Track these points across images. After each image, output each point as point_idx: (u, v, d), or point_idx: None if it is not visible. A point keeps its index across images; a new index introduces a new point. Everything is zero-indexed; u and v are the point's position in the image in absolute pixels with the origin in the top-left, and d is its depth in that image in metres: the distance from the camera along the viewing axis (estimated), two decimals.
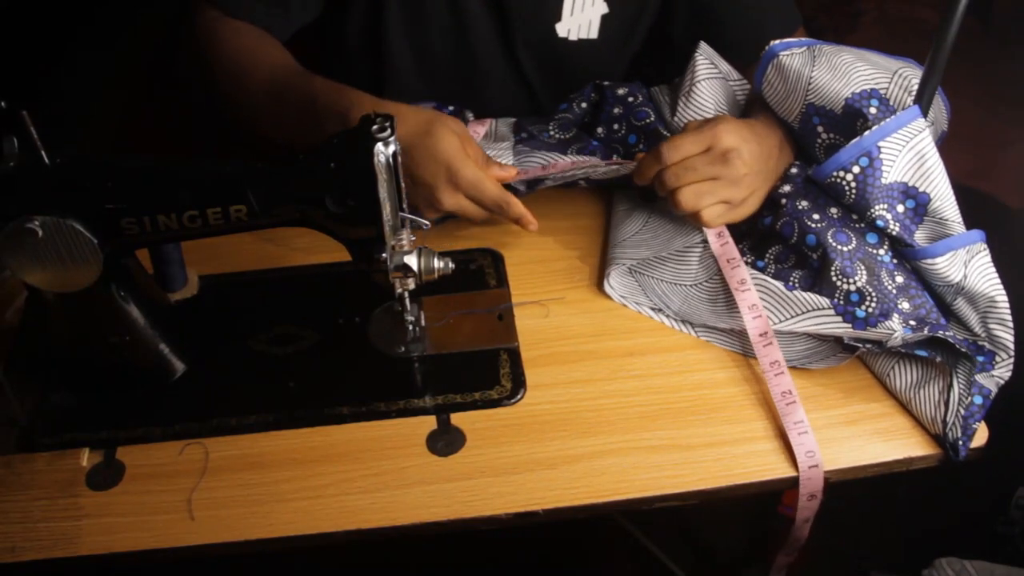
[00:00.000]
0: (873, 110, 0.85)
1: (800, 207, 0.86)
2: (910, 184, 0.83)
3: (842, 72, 0.87)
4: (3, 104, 0.67)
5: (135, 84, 1.78)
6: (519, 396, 0.83)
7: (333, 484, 0.77)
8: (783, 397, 0.79)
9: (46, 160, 0.70)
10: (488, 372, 0.85)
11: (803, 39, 0.90)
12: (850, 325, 0.80)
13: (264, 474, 0.78)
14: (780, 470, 0.78)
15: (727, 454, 0.78)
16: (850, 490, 0.87)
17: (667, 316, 0.89)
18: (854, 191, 0.83)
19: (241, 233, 0.76)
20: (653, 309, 0.89)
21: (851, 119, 0.85)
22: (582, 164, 0.92)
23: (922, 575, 0.81)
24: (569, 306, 0.91)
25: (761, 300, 0.84)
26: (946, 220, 0.83)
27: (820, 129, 0.88)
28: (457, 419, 0.81)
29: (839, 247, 0.82)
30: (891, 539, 1.10)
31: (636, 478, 0.77)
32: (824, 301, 0.81)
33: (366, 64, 1.09)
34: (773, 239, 0.88)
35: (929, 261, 0.82)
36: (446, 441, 0.80)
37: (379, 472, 0.78)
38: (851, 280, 0.81)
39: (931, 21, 1.35)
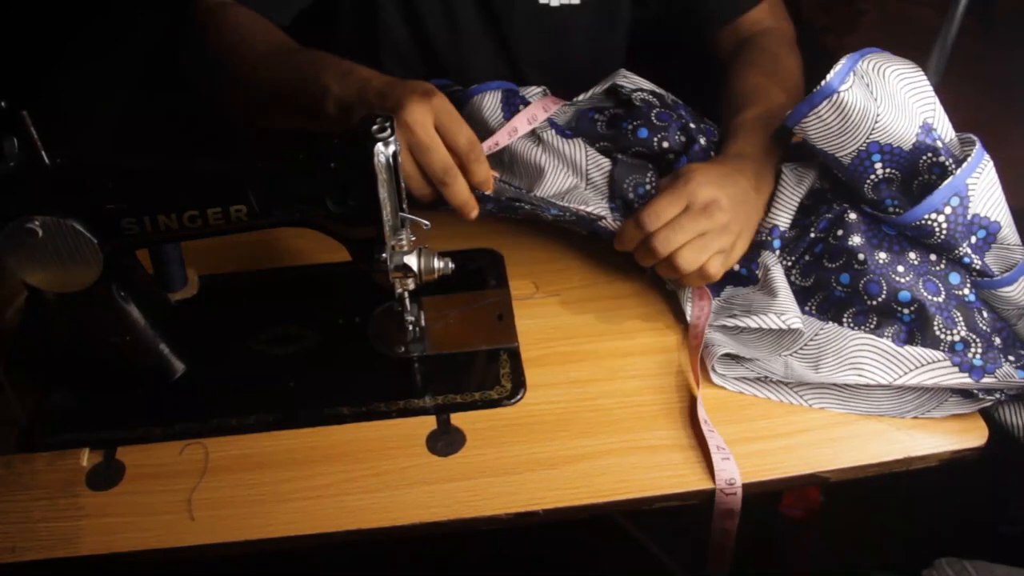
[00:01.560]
0: (940, 144, 0.82)
1: (880, 260, 0.83)
2: (982, 214, 0.81)
3: (900, 103, 0.83)
4: (3, 104, 0.67)
5: (135, 84, 1.77)
6: (519, 396, 0.83)
7: (333, 484, 0.77)
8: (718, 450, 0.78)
9: (46, 160, 0.70)
10: (488, 372, 0.85)
11: (844, 64, 0.82)
12: (967, 375, 0.78)
13: (264, 474, 0.78)
14: (779, 470, 0.78)
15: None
16: (850, 490, 0.87)
17: (773, 386, 0.83)
18: (944, 231, 0.81)
19: (241, 233, 0.76)
20: (758, 380, 0.84)
21: (919, 153, 0.82)
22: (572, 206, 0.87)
23: (922, 575, 0.81)
24: (569, 306, 0.91)
25: (870, 359, 0.80)
26: (1011, 245, 0.83)
27: (878, 165, 0.83)
28: (457, 419, 0.81)
29: (933, 299, 0.81)
30: (891, 539, 1.10)
31: (636, 478, 0.77)
32: (938, 355, 0.79)
33: (359, 44, 1.09)
34: (852, 299, 0.84)
35: (1006, 289, 0.82)
36: (446, 441, 0.80)
37: (379, 472, 0.78)
38: (953, 331, 0.80)
39: (931, 21, 1.35)
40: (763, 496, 0.81)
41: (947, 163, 0.81)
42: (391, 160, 0.72)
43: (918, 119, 0.83)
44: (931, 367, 0.79)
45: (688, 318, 0.87)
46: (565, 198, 0.88)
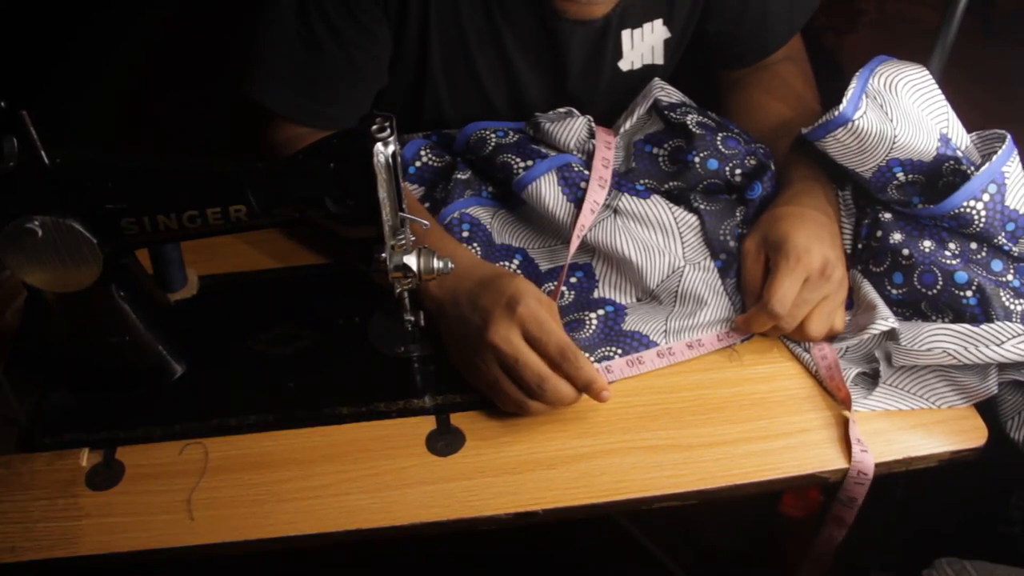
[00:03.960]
0: (959, 153, 0.83)
1: (926, 249, 0.83)
2: (1011, 207, 0.82)
3: (916, 119, 0.83)
4: (3, 104, 0.67)
5: (135, 84, 1.78)
6: None
7: (333, 484, 0.77)
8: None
9: (46, 160, 0.70)
10: None
11: (855, 88, 0.84)
12: None
13: (264, 474, 0.78)
14: (779, 470, 0.78)
15: (727, 454, 0.78)
16: None
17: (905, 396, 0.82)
18: (983, 219, 0.81)
19: (241, 233, 0.76)
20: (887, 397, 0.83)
21: (940, 162, 0.83)
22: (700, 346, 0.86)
23: (922, 575, 0.81)
24: None
25: (951, 347, 0.78)
26: None
27: (900, 175, 0.84)
28: (457, 419, 0.81)
29: (992, 278, 0.81)
30: (891, 539, 1.10)
31: (636, 478, 0.77)
32: (1016, 327, 0.78)
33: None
34: (912, 296, 0.84)
35: None
36: (446, 441, 0.80)
37: (379, 472, 0.78)
38: (1019, 301, 0.81)
39: (931, 21, 1.35)
40: (763, 496, 0.81)
41: (968, 170, 0.81)
42: (391, 160, 0.72)
43: (935, 132, 0.83)
44: (1014, 340, 0.77)
45: (811, 366, 0.85)
46: (690, 316, 0.87)
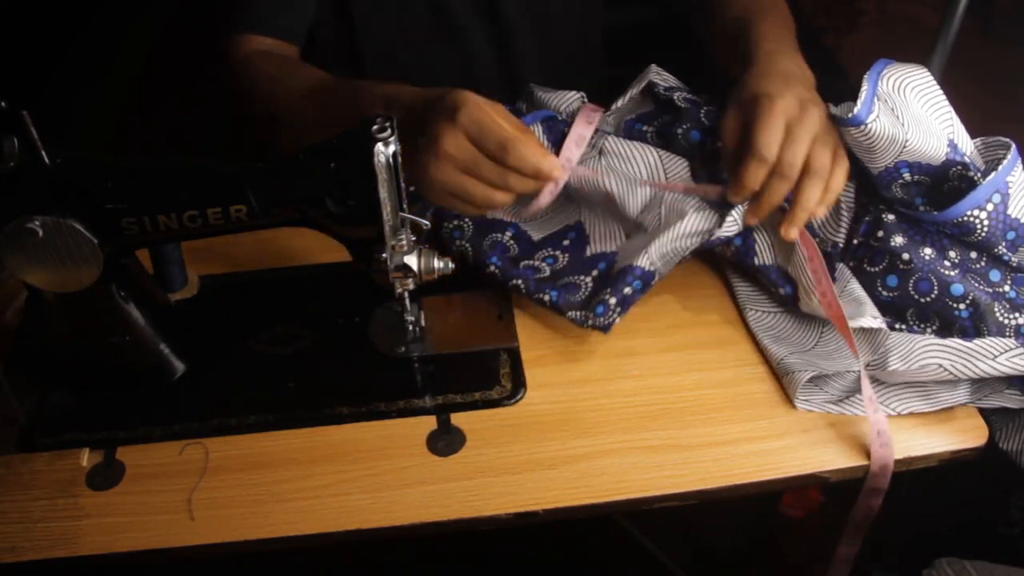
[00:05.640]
0: (967, 159, 0.83)
1: (927, 256, 0.83)
2: (1013, 216, 0.81)
3: (927, 126, 0.83)
4: (3, 104, 0.67)
5: (135, 84, 1.78)
6: (519, 396, 0.83)
7: (333, 484, 0.77)
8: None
9: (46, 160, 0.70)
10: (488, 372, 0.85)
11: (867, 90, 0.82)
12: None
13: (264, 474, 0.78)
14: (779, 470, 0.78)
15: (727, 454, 0.78)
16: (850, 490, 0.86)
17: (858, 403, 0.81)
18: (985, 228, 0.81)
19: (241, 233, 0.76)
20: (841, 402, 0.82)
21: (948, 167, 0.83)
22: (670, 187, 0.85)
23: (922, 575, 0.81)
24: None
25: (946, 362, 0.77)
26: None
27: (906, 175, 0.84)
28: (457, 419, 0.81)
29: (984, 288, 0.81)
30: (891, 539, 1.10)
31: (636, 478, 0.77)
32: (1009, 342, 0.78)
33: (341, 55, 1.10)
34: (903, 301, 0.84)
35: None
36: (446, 441, 0.80)
37: (379, 472, 0.78)
38: (1014, 315, 0.80)
39: (931, 21, 1.35)
40: (763, 496, 0.81)
41: (975, 176, 0.81)
42: (391, 160, 0.72)
43: (944, 138, 0.83)
44: (1007, 354, 0.77)
45: (810, 291, 0.83)
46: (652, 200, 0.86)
